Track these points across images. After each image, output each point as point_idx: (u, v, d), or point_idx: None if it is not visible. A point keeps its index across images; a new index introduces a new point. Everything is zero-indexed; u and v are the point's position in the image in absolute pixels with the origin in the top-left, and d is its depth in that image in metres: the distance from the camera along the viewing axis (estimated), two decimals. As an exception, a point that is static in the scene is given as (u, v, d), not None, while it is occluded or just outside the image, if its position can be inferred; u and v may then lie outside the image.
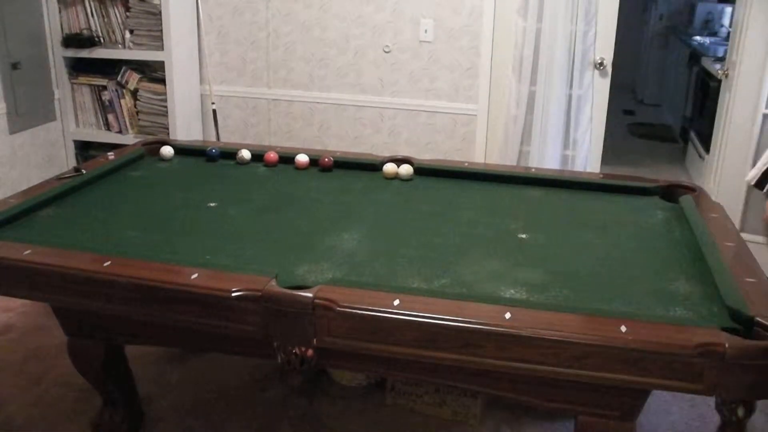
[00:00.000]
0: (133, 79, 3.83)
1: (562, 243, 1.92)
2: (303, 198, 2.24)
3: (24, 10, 3.59)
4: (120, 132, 3.93)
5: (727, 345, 1.35)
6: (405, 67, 3.64)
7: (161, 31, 3.63)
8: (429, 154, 3.69)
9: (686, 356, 1.35)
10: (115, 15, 3.75)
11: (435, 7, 3.50)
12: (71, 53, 3.80)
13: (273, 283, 1.58)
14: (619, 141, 5.93)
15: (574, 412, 1.61)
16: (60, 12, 3.77)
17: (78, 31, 3.79)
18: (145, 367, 2.54)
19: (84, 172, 2.32)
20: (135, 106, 3.87)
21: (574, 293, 1.62)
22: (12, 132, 3.59)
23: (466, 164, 2.57)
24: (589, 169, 3.41)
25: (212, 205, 2.16)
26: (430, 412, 2.34)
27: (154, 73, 3.85)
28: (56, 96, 3.90)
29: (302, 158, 2.51)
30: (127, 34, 3.74)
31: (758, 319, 1.43)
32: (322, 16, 3.68)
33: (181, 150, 2.65)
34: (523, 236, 1.96)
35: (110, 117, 3.94)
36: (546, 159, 3.43)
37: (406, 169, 2.42)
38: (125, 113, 3.90)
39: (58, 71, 3.86)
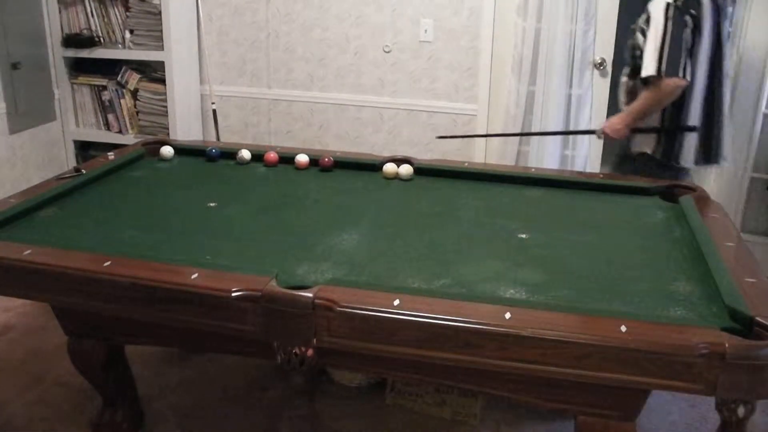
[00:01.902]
0: (133, 79, 3.83)
1: (562, 243, 1.91)
2: (303, 198, 2.24)
3: (24, 10, 3.59)
4: (120, 132, 3.93)
5: (727, 345, 1.35)
6: (405, 67, 3.64)
7: (161, 31, 3.63)
8: (429, 154, 3.68)
9: (686, 356, 1.35)
10: (115, 15, 3.75)
11: (435, 7, 3.50)
12: (71, 53, 3.80)
13: (273, 283, 1.58)
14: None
15: (574, 412, 1.62)
16: (60, 12, 3.77)
17: (78, 31, 3.79)
18: (145, 367, 2.54)
19: (84, 172, 2.32)
20: (135, 106, 3.87)
21: (574, 293, 1.62)
22: (12, 132, 3.59)
23: (466, 164, 2.57)
24: (589, 169, 3.41)
25: (212, 205, 2.16)
26: (430, 412, 2.34)
27: (154, 73, 3.85)
28: (56, 96, 3.90)
29: (302, 158, 2.51)
30: (127, 34, 3.74)
31: (758, 319, 1.43)
32: (322, 16, 3.68)
33: (181, 150, 2.64)
34: (523, 236, 1.96)
35: (110, 117, 3.94)
36: (546, 159, 3.43)
37: (406, 169, 2.42)
38: (125, 113, 3.89)
39: (58, 71, 3.86)
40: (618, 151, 2.80)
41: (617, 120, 2.58)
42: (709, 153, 2.55)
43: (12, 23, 3.49)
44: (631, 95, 2.56)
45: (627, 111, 2.55)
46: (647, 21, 2.42)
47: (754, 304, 1.49)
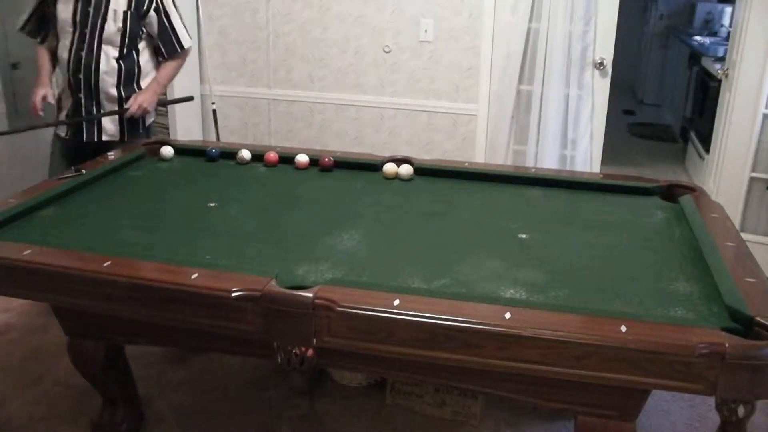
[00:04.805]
0: (133, 79, 3.82)
1: (562, 243, 1.91)
2: (303, 198, 2.24)
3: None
4: (120, 132, 3.93)
5: (727, 345, 1.34)
6: (405, 67, 3.64)
7: (161, 31, 3.62)
8: (429, 154, 3.69)
9: (686, 356, 1.35)
10: (115, 15, 3.74)
11: (435, 7, 3.50)
12: (71, 53, 3.79)
13: (273, 283, 1.58)
14: (619, 141, 5.93)
15: (574, 412, 1.62)
16: (60, 12, 3.76)
17: (78, 31, 3.78)
18: (145, 367, 2.54)
19: (84, 172, 2.32)
20: (135, 106, 3.87)
21: (574, 293, 1.62)
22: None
23: (466, 164, 2.57)
24: (589, 169, 3.41)
25: (212, 205, 2.16)
26: (430, 412, 2.34)
27: (154, 73, 3.84)
28: (56, 96, 3.89)
29: (302, 158, 2.51)
30: (127, 34, 3.74)
31: (758, 319, 1.43)
32: (322, 16, 3.68)
33: (181, 150, 2.64)
34: (523, 236, 1.96)
35: (110, 117, 3.93)
36: (545, 159, 3.43)
37: (406, 169, 2.42)
38: (125, 113, 3.89)
39: (58, 71, 3.86)
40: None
41: (148, 95, 2.83)
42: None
43: (12, 23, 3.48)
44: (126, 73, 2.79)
45: (157, 83, 2.88)
46: (157, 6, 2.77)
47: (754, 304, 1.49)
